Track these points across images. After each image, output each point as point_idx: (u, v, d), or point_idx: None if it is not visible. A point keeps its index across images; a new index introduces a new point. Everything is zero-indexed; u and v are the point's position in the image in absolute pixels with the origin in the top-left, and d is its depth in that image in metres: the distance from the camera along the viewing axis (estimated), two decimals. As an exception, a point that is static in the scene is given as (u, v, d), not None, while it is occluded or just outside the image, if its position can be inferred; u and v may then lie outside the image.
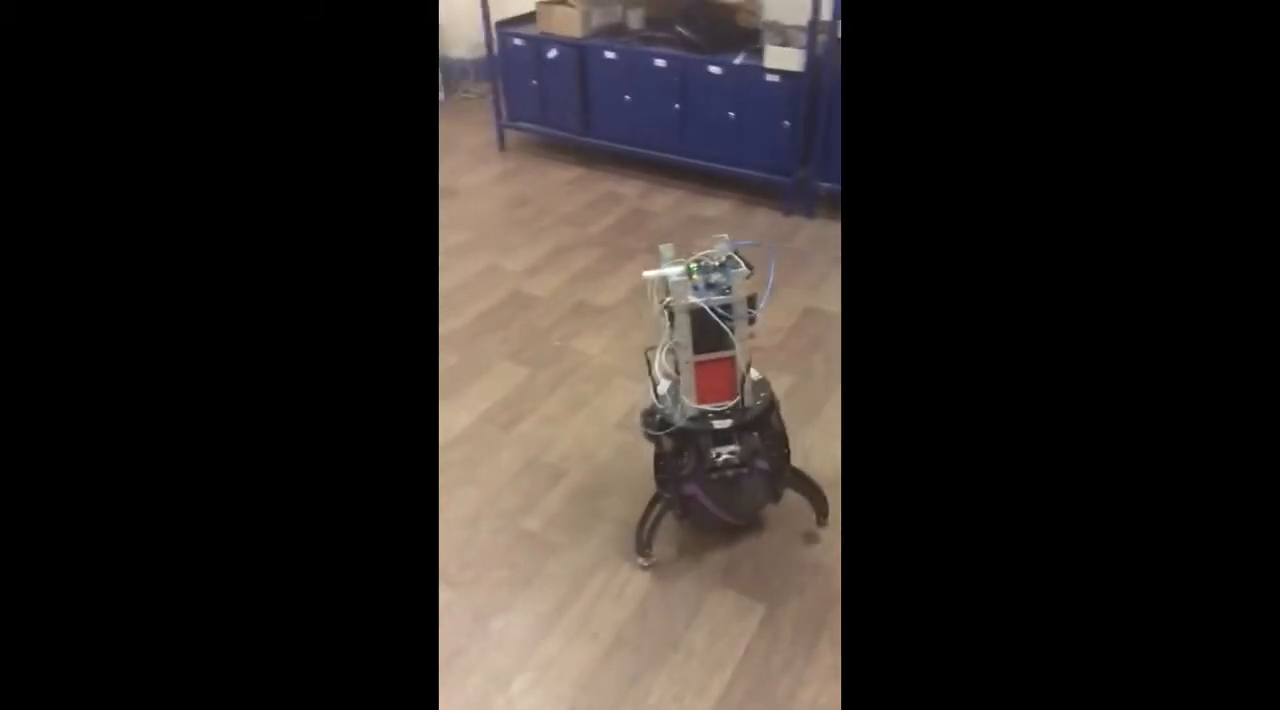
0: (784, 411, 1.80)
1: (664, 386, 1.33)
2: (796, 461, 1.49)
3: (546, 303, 2.25)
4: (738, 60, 2.59)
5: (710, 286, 1.22)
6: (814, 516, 1.50)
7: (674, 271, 1.21)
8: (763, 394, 1.35)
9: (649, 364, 1.36)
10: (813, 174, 2.63)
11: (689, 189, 2.93)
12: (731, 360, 1.28)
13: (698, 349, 1.25)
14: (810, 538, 1.51)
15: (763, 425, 1.36)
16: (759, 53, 2.56)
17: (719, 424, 1.30)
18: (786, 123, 2.59)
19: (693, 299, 1.20)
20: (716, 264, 1.23)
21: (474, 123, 3.54)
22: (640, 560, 1.44)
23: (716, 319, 1.22)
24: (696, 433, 1.31)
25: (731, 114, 2.68)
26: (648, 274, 1.23)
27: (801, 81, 2.48)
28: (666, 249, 1.24)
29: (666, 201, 2.87)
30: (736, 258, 1.24)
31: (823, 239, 2.59)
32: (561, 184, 3.01)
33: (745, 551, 1.47)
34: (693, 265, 1.22)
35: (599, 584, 1.40)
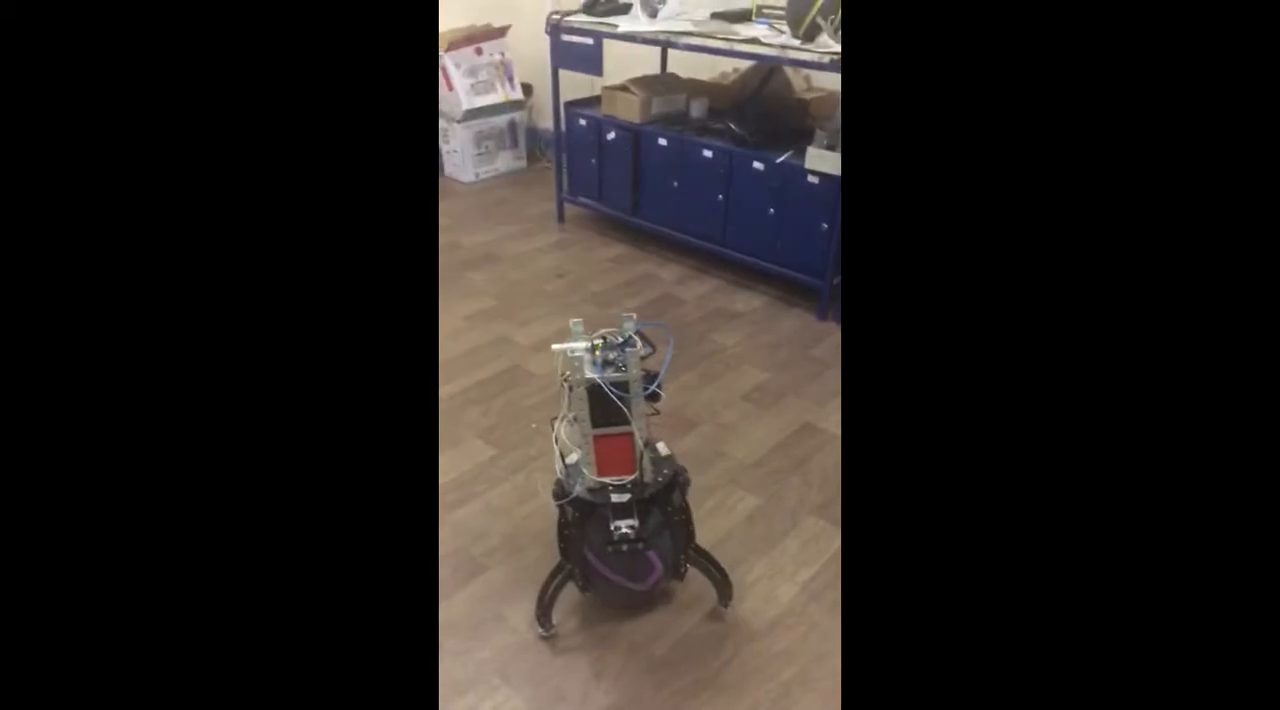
0: (739, 538, 1.66)
1: (573, 457, 1.37)
2: (736, 597, 1.42)
3: (540, 381, 2.23)
4: (780, 158, 2.53)
5: (608, 364, 1.26)
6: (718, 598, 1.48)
7: (580, 346, 1.26)
8: (666, 471, 1.37)
9: (553, 433, 1.38)
10: (848, 280, 2.50)
11: (725, 279, 2.86)
12: (630, 436, 1.31)
13: (595, 424, 1.29)
14: (715, 616, 1.46)
15: (664, 502, 1.37)
16: (804, 152, 2.49)
17: (617, 498, 1.32)
18: (825, 225, 2.48)
19: (589, 374, 1.25)
20: (619, 341, 1.28)
21: (544, 193, 3.66)
22: (539, 630, 1.41)
23: (611, 395, 1.25)
24: (595, 504, 1.33)
25: (772, 210, 2.61)
26: (555, 347, 1.26)
27: (837, 185, 2.37)
28: (576, 324, 1.28)
29: (700, 290, 2.81)
30: (637, 337, 1.29)
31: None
32: (603, 261, 3.02)
33: (646, 653, 1.34)
34: (598, 342, 1.27)
35: (465, 706, 1.31)
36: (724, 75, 3.25)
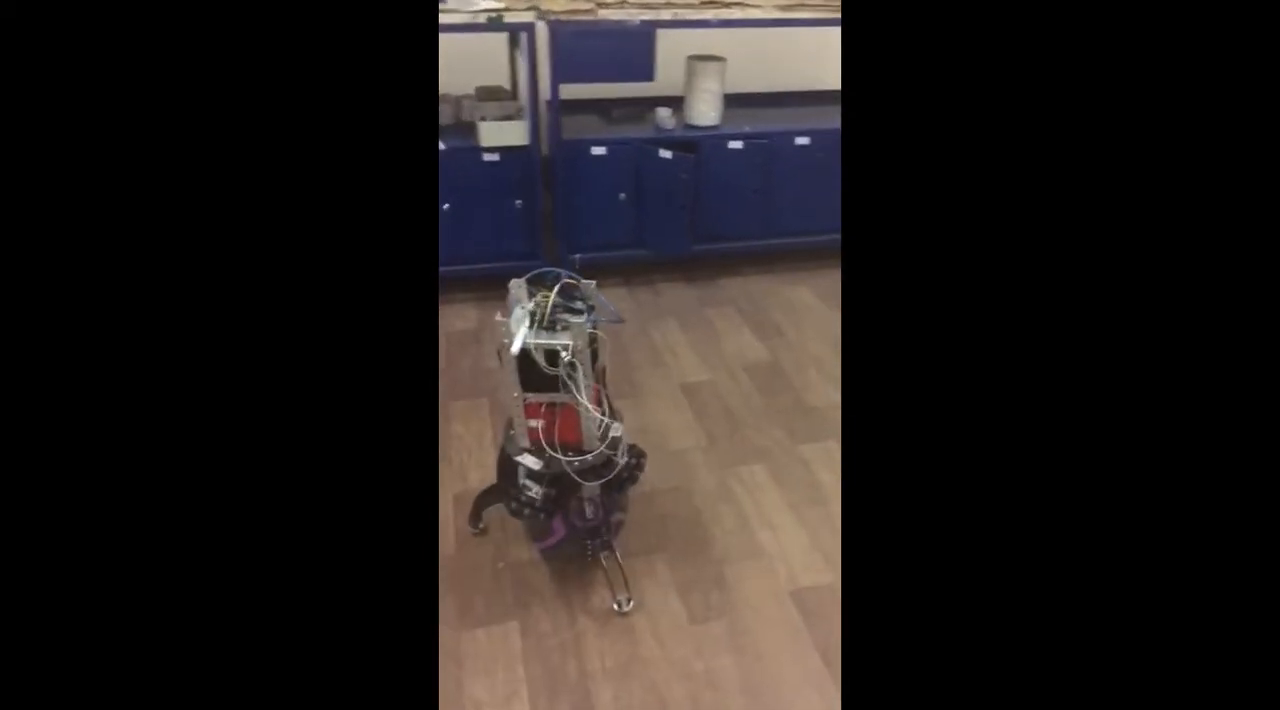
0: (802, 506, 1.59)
1: (532, 461, 1.23)
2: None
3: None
4: (444, 145, 2.16)
5: (583, 312, 1.16)
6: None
7: (521, 327, 1.13)
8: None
9: (543, 445, 1.20)
10: (564, 247, 2.39)
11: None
12: (604, 368, 1.26)
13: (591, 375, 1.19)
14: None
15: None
16: (462, 131, 2.19)
17: (615, 433, 1.26)
18: (519, 202, 2.28)
19: (590, 330, 1.13)
20: (554, 293, 1.16)
21: None
22: (624, 608, 1.36)
23: (600, 337, 1.18)
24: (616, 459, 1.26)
25: (446, 206, 2.24)
26: (515, 347, 1.11)
27: (529, 154, 2.20)
28: (504, 312, 1.15)
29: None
30: (565, 279, 1.19)
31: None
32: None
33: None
34: (536, 310, 1.15)
35: None
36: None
